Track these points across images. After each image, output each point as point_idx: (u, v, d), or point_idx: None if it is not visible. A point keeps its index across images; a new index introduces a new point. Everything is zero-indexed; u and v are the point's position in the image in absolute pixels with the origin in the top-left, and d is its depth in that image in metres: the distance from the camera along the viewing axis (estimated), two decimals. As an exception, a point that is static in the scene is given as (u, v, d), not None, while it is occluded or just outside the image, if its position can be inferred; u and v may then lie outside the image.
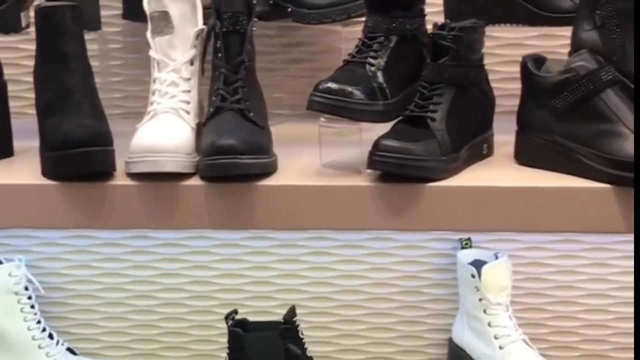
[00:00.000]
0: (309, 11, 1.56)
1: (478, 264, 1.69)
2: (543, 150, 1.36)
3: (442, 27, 1.37)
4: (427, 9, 1.46)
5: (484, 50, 1.42)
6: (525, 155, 1.40)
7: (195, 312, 1.85)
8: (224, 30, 1.40)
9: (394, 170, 1.30)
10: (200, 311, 1.84)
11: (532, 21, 1.49)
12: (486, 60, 1.56)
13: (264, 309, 1.80)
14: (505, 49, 1.69)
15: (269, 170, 1.35)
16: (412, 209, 1.31)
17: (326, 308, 1.85)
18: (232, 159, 1.29)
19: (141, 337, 1.87)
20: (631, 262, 1.79)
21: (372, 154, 1.30)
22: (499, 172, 1.37)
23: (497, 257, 1.70)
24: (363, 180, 1.33)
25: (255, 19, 1.46)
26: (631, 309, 1.80)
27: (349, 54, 1.39)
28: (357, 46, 1.39)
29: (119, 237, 1.82)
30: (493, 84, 1.47)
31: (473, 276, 1.67)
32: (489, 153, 1.44)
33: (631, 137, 1.27)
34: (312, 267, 1.84)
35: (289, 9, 1.58)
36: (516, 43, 1.70)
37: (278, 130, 1.49)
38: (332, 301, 1.84)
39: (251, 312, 1.76)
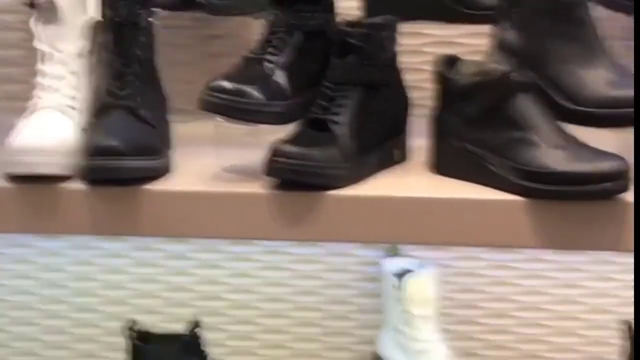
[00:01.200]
0: (219, 2, 1.46)
1: (405, 273, 1.60)
2: (455, 158, 1.26)
3: (349, 23, 1.28)
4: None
5: (400, 48, 1.33)
6: (438, 163, 1.30)
7: (78, 325, 1.78)
8: (117, 20, 1.30)
9: (290, 177, 1.20)
10: (84, 324, 1.78)
11: (452, 18, 1.39)
12: (413, 59, 1.47)
13: (180, 317, 1.71)
14: (434, 47, 1.59)
15: (158, 173, 1.25)
16: (311, 219, 1.21)
17: (249, 317, 1.76)
18: (114, 161, 1.19)
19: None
20: (567, 275, 1.71)
21: (268, 159, 1.21)
22: (407, 180, 1.27)
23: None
24: (260, 187, 1.23)
25: (159, 10, 1.36)
26: (567, 324, 1.72)
27: (248, 50, 1.29)
28: (257, 41, 1.29)
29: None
30: (420, 84, 1.39)
31: (395, 287, 1.58)
32: (401, 159, 1.35)
33: (543, 146, 1.18)
34: (234, 273, 1.75)
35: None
36: (447, 41, 1.60)
37: (189, 129, 1.39)
38: (255, 310, 1.76)
39: (164, 321, 1.68)
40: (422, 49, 1.59)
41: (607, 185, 1.13)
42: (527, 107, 1.20)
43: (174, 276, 1.77)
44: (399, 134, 1.34)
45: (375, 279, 1.70)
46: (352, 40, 1.26)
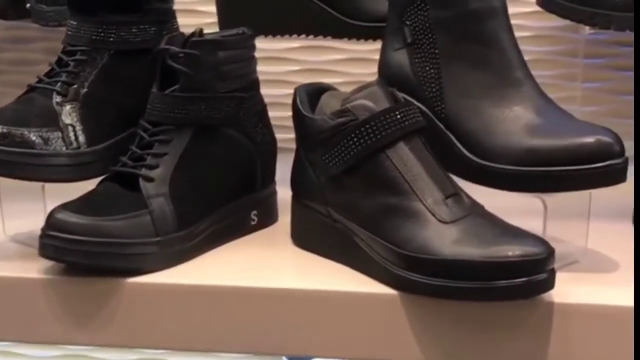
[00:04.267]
0: (48, 9, 1.12)
1: None
2: (318, 227, 0.90)
3: (171, 40, 0.92)
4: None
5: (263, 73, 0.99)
6: (299, 233, 0.94)
7: None
8: None
9: (71, 259, 0.84)
10: None
11: (332, 31, 1.03)
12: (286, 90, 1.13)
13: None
14: (310, 76, 1.25)
15: None
16: (107, 315, 0.86)
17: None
18: None
19: None
20: None
21: (42, 232, 0.86)
22: (254, 258, 0.91)
23: None
24: (38, 270, 0.88)
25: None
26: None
27: (37, 77, 0.95)
28: (50, 64, 0.95)
29: None
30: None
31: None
32: (265, 222, 1.00)
33: (430, 219, 0.82)
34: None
35: (28, 4, 1.14)
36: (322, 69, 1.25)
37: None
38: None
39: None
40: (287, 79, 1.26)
41: (518, 281, 0.78)
42: (409, 162, 0.83)
43: None
44: (256, 190, 0.99)
45: None
46: (174, 64, 0.91)
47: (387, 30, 0.94)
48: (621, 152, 0.82)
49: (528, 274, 0.77)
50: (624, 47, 1.25)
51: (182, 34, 0.96)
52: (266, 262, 0.90)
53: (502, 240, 0.79)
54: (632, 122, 1.11)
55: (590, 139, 0.83)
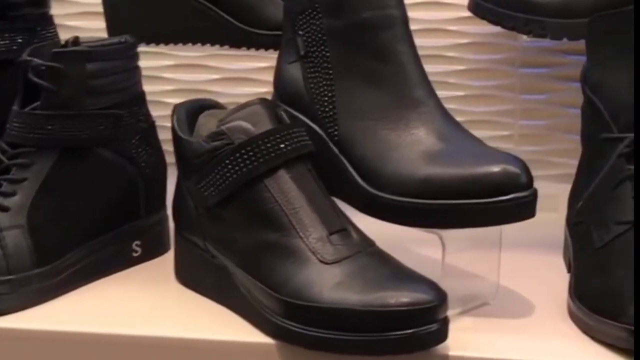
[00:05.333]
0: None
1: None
2: (198, 263, 0.80)
3: (36, 50, 0.82)
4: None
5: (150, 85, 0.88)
6: (180, 269, 0.84)
7: None
8: None
9: None
10: None
11: (230, 40, 0.93)
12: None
13: None
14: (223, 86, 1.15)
15: None
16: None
17: None
18: None
19: None
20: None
21: None
22: (125, 297, 0.81)
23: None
24: None
25: None
26: None
27: None
28: None
29: None
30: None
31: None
32: (150, 254, 0.89)
33: (311, 258, 0.70)
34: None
35: None
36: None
37: None
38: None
39: None
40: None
41: (403, 333, 0.67)
42: (289, 193, 0.73)
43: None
44: (140, 217, 0.89)
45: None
46: (35, 79, 0.80)
47: (282, 41, 0.84)
48: (529, 184, 0.72)
49: (415, 324, 0.67)
50: (569, 56, 1.15)
51: (56, 42, 0.86)
52: (134, 304, 0.80)
53: (388, 285, 0.68)
54: (574, 137, 1.00)
55: (495, 169, 0.72)
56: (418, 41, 1.17)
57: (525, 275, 0.86)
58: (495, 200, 0.71)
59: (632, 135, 0.77)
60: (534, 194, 0.73)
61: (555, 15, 0.98)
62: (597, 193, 0.78)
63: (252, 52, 0.96)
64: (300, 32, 0.80)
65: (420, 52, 1.17)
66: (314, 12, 0.79)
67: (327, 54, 0.79)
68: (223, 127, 0.75)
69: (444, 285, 0.73)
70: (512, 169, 0.72)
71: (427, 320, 0.67)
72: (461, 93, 1.17)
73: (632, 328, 0.68)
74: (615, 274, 0.72)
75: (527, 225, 0.83)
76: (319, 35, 0.79)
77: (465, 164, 0.73)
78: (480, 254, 0.81)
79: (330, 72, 0.78)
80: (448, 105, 1.16)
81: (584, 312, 0.73)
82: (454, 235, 0.76)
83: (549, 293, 0.81)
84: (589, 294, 0.74)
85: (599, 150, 0.79)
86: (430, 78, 1.18)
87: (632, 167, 0.77)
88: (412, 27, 1.16)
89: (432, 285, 0.69)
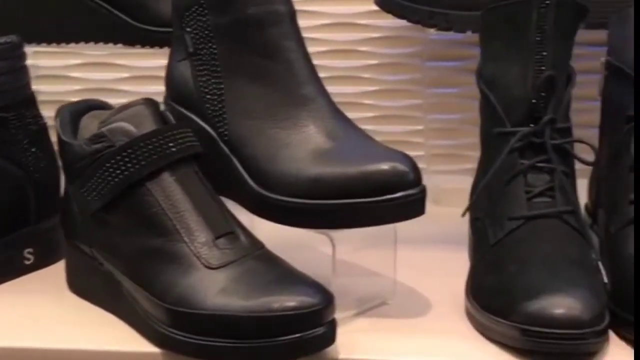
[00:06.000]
0: None
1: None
2: (87, 271, 0.77)
3: None
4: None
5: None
6: (71, 277, 0.81)
7: None
8: None
9: None
10: None
11: (122, 37, 0.90)
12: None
13: None
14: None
15: None
16: None
17: None
18: None
19: None
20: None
21: None
22: (12, 307, 0.77)
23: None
24: None
25: None
26: None
27: None
28: None
29: None
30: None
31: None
32: (44, 262, 0.85)
33: (196, 264, 0.67)
34: None
35: None
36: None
37: None
38: None
39: None
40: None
41: (287, 339, 0.64)
42: (174, 196, 0.70)
43: None
44: (30, 224, 0.85)
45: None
46: None
47: (173, 37, 0.82)
48: (416, 181, 0.71)
49: (301, 329, 0.65)
50: (477, 49, 1.14)
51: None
52: (24, 314, 0.77)
53: (273, 289, 0.66)
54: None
55: (383, 167, 0.70)
56: (329, 36, 1.19)
57: (427, 273, 0.84)
58: (384, 198, 0.70)
59: (524, 129, 0.76)
60: (423, 192, 0.71)
61: (458, 7, 0.97)
62: (491, 188, 0.77)
63: (157, 49, 0.94)
64: (188, 29, 0.78)
65: (331, 47, 1.18)
66: (200, 9, 0.77)
67: (215, 52, 0.77)
68: (104, 129, 0.72)
69: (340, 286, 0.71)
70: (401, 166, 0.70)
71: (313, 323, 0.66)
72: (374, 88, 1.16)
73: (523, 327, 0.67)
74: (507, 271, 0.71)
75: (436, 220, 0.82)
76: (206, 32, 0.77)
77: (354, 162, 0.71)
78: (378, 253, 0.79)
79: (219, 70, 0.76)
80: (362, 101, 1.17)
81: (478, 311, 0.72)
82: (349, 234, 0.74)
83: (450, 291, 0.80)
84: (482, 292, 0.72)
85: (494, 145, 0.78)
86: (343, 73, 1.19)
87: (525, 161, 0.76)
88: (323, 21, 1.17)
89: (318, 288, 0.67)
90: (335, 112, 0.75)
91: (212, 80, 0.77)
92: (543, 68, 0.76)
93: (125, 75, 1.18)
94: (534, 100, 0.76)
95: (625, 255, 0.73)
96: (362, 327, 0.74)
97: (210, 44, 0.77)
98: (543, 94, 0.76)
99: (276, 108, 0.74)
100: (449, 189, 1.06)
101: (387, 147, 0.74)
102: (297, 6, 1.12)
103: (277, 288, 0.67)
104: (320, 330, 0.66)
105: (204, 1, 0.76)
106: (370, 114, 1.16)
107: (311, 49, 1.16)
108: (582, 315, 0.66)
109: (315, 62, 1.13)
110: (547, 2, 0.76)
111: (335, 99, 0.78)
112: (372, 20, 1.14)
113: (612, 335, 0.71)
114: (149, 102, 0.75)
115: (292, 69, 0.75)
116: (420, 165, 1.09)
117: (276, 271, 0.69)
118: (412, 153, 1.13)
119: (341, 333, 0.70)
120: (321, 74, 1.19)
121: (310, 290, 0.67)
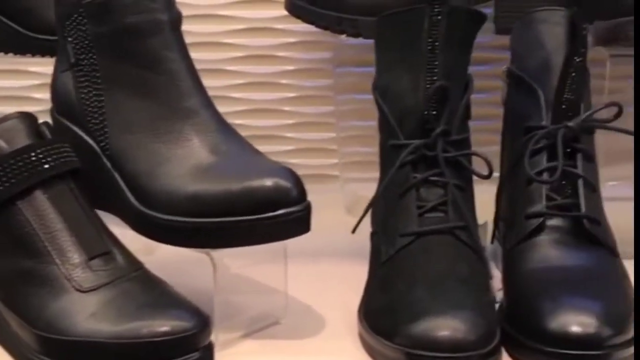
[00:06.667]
0: None
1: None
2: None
3: None
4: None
5: None
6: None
7: None
8: None
9: None
10: None
11: (11, 46, 0.86)
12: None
13: None
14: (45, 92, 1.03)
15: None
16: None
17: None
18: None
19: None
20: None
21: None
22: None
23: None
24: None
25: None
26: None
27: None
28: None
29: None
30: None
31: None
32: None
33: (66, 286, 0.64)
34: None
35: None
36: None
37: None
38: None
39: None
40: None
41: None
42: (46, 216, 0.67)
43: None
44: None
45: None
46: None
47: (57, 48, 0.78)
48: (300, 198, 0.68)
49: (173, 355, 0.62)
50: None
51: None
52: None
53: (145, 313, 0.63)
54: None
55: (266, 183, 0.67)
56: (244, 41, 1.16)
57: (323, 289, 0.81)
58: (265, 216, 0.67)
59: (415, 142, 0.73)
60: (307, 209, 0.68)
61: (366, 13, 0.94)
62: (385, 203, 0.75)
63: (48, 58, 0.90)
64: (70, 39, 0.74)
65: (246, 53, 1.15)
66: (80, 17, 0.73)
67: (96, 62, 0.73)
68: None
69: (229, 305, 0.69)
70: (283, 182, 0.67)
71: (186, 349, 0.63)
72: (291, 94, 1.14)
73: (407, 350, 0.64)
74: (396, 289, 0.69)
75: (347, 230, 0.79)
76: (86, 42, 0.73)
77: (235, 178, 0.68)
78: (270, 268, 0.76)
79: (99, 81, 0.73)
80: (278, 107, 1.14)
81: (367, 331, 0.69)
82: (239, 249, 0.71)
83: (347, 308, 0.77)
84: (371, 311, 0.70)
85: (390, 157, 0.76)
86: (260, 80, 1.16)
87: (418, 175, 0.73)
88: (238, 26, 1.14)
89: (193, 312, 0.64)
90: (221, 125, 0.72)
91: (93, 92, 0.73)
92: (435, 78, 0.74)
93: (37, 82, 1.15)
94: (425, 112, 0.74)
95: (519, 272, 0.71)
96: (249, 349, 0.71)
97: (90, 54, 0.73)
98: (435, 104, 0.74)
99: (158, 121, 0.71)
100: (364, 197, 1.04)
101: (273, 162, 0.71)
102: (213, 10, 1.10)
103: (149, 312, 0.64)
104: (194, 355, 0.63)
105: (83, 9, 0.73)
106: (287, 121, 1.13)
107: (226, 54, 1.14)
108: (466, 337, 0.63)
109: (230, 68, 1.13)
110: (439, 9, 0.74)
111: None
112: (289, 25, 1.11)
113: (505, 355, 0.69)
114: (25, 116, 0.71)
115: (174, 81, 0.71)
116: (335, 173, 1.07)
117: (151, 294, 0.66)
118: (326, 160, 1.15)
119: (224, 356, 0.67)
120: (238, 81, 1.16)
121: (185, 314, 0.64)
